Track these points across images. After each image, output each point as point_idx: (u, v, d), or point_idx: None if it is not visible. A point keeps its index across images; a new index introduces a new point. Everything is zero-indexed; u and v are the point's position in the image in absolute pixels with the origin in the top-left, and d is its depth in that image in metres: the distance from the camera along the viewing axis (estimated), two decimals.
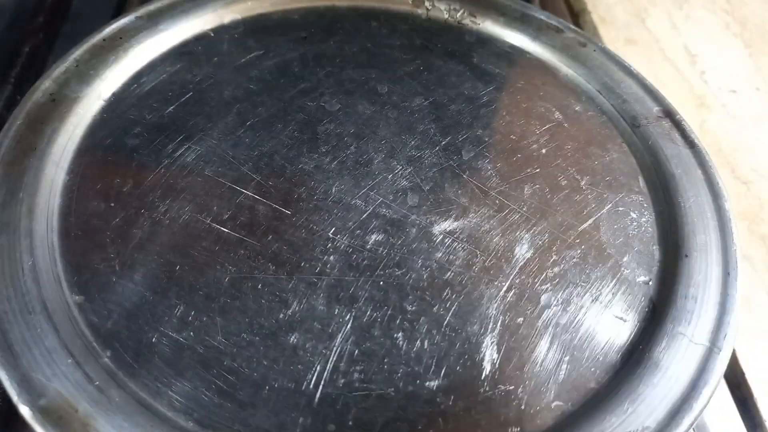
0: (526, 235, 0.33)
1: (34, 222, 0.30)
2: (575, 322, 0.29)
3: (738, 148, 0.65)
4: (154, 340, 0.27)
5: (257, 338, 0.28)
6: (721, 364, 0.27)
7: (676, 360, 0.27)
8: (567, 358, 0.28)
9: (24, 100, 0.34)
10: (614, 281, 0.31)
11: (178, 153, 0.34)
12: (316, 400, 0.26)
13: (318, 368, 0.27)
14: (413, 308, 0.29)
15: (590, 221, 0.33)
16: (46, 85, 0.35)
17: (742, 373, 0.50)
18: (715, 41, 0.76)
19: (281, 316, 0.28)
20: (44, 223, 0.30)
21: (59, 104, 0.34)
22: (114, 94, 0.36)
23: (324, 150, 0.35)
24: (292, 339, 0.28)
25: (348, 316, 0.29)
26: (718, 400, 0.47)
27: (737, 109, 0.70)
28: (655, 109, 0.38)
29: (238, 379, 0.26)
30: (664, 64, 0.68)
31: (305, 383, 0.27)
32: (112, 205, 0.31)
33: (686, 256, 0.31)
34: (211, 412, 0.25)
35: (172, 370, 0.26)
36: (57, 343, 0.26)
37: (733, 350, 0.51)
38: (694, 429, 0.41)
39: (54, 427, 0.23)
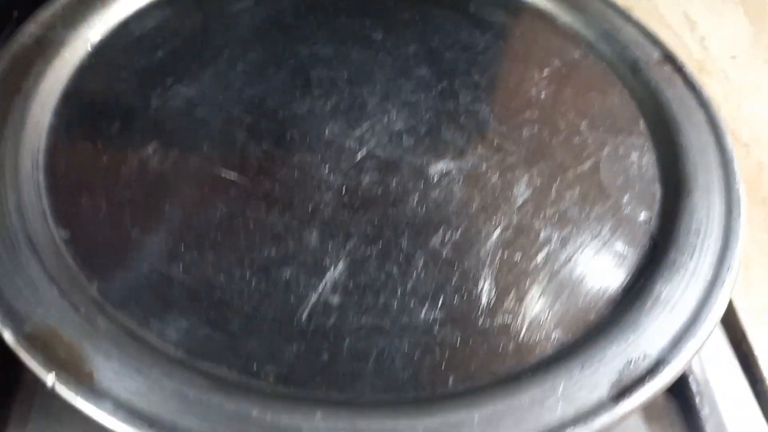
0: (525, 176, 0.32)
1: (20, 159, 0.29)
2: (574, 258, 0.29)
3: (738, 113, 0.65)
4: (142, 274, 0.26)
5: (248, 272, 0.27)
6: (724, 296, 0.27)
7: (678, 292, 0.27)
8: (566, 292, 0.27)
9: (8, 44, 0.33)
10: (614, 219, 0.30)
11: (167, 96, 0.33)
12: (309, 331, 0.25)
13: (311, 301, 0.26)
14: (408, 244, 0.29)
15: (589, 162, 0.33)
16: (31, 29, 0.34)
17: (743, 332, 0.49)
18: (715, 8, 0.75)
19: (273, 251, 0.28)
20: (30, 161, 0.29)
21: (45, 48, 0.33)
22: (101, 41, 0.35)
23: (317, 94, 0.34)
24: (285, 273, 0.27)
25: (341, 252, 0.28)
26: (719, 354, 0.47)
27: (737, 74, 0.69)
28: (656, 54, 0.37)
29: (230, 312, 0.26)
30: (663, 30, 0.67)
31: (298, 315, 0.26)
32: (100, 145, 0.31)
33: (688, 194, 0.30)
34: (201, 342, 0.25)
35: (160, 302, 0.26)
36: (42, 274, 0.25)
37: (735, 309, 0.51)
38: (697, 381, 0.41)
39: (39, 352, 0.23)
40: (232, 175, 0.30)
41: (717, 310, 0.26)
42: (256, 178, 0.30)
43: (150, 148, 0.31)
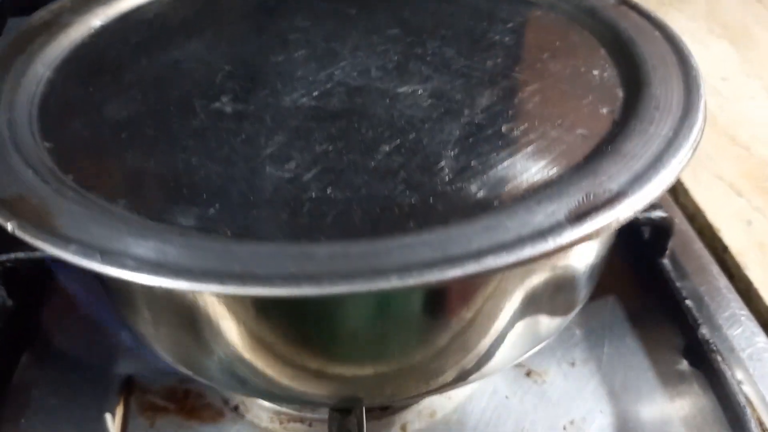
0: (488, 91, 0.33)
1: (17, 97, 0.32)
2: (535, 141, 0.29)
3: (736, 120, 0.66)
4: (116, 168, 0.28)
5: (216, 163, 0.28)
6: (685, 150, 0.26)
7: (639, 147, 0.26)
8: (528, 165, 0.27)
9: (18, 25, 0.37)
10: (577, 114, 0.31)
11: (155, 57, 0.36)
12: (271, 200, 0.26)
13: (274, 183, 0.27)
14: (372, 138, 0.29)
15: (551, 79, 0.34)
16: (41, 14, 0.38)
17: None
18: (700, 42, 0.78)
19: (242, 149, 0.29)
20: (26, 98, 0.32)
21: (51, 27, 0.37)
22: (102, 26, 0.39)
23: (292, 49, 0.37)
24: (252, 163, 0.28)
25: (306, 146, 0.29)
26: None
27: (730, 92, 0.71)
28: (612, 1, 0.39)
29: (196, 191, 0.26)
30: None
31: (259, 192, 0.26)
32: (89, 89, 0.33)
33: (648, 85, 0.31)
34: (165, 210, 0.25)
35: (131, 186, 0.27)
36: (21, 163, 0.27)
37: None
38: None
39: (6, 209, 0.24)
40: (207, 101, 0.32)
41: (678, 158, 0.26)
42: (230, 102, 0.32)
43: (135, 90, 0.33)
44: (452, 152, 0.28)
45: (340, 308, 0.24)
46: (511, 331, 0.28)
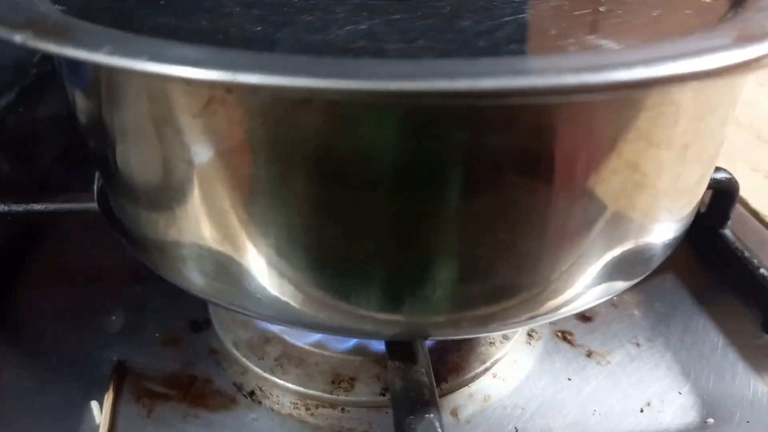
0: None
1: None
2: (649, 18, 0.24)
3: (758, 120, 0.64)
4: (136, 25, 0.23)
5: (252, 24, 0.23)
6: None
7: None
8: (654, 27, 0.23)
9: None
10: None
11: None
12: (322, 49, 0.21)
13: (326, 39, 0.22)
14: (452, 11, 0.25)
15: None
16: None
17: None
18: None
19: (283, 19, 0.24)
20: None
21: None
22: None
23: None
24: (297, 27, 0.23)
25: (370, 16, 0.24)
26: None
27: (747, 96, 0.69)
28: None
29: (228, 40, 0.21)
30: None
31: (310, 45, 0.21)
32: None
33: None
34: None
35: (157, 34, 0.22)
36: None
37: None
38: None
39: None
40: None
41: None
42: None
43: None
44: (553, 23, 0.24)
45: (417, 152, 0.18)
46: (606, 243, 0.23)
